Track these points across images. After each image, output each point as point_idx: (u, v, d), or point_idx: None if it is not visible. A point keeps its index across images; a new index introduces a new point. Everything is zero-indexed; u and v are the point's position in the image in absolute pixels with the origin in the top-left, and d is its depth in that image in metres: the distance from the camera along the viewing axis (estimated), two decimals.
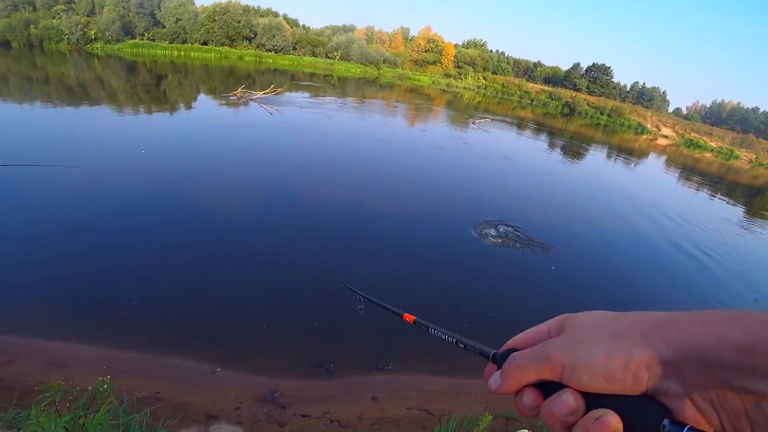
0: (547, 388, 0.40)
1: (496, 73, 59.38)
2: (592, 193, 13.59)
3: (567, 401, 0.37)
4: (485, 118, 26.60)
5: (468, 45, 64.69)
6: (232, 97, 18.07)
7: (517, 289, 6.29)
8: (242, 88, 19.15)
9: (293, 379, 3.97)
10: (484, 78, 57.02)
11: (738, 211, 16.26)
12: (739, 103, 64.83)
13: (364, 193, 9.07)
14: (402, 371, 4.28)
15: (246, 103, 17.35)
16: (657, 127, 52.70)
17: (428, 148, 14.58)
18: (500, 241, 7.61)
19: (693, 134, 53.08)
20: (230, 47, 45.04)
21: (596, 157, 22.51)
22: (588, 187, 14.19)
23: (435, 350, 4.46)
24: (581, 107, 51.25)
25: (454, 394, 3.99)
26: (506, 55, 66.17)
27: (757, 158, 48.03)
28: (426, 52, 58.04)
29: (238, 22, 44.95)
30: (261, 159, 10.44)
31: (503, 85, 55.29)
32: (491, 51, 65.15)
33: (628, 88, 65.41)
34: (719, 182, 24.35)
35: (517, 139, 21.59)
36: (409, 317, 0.75)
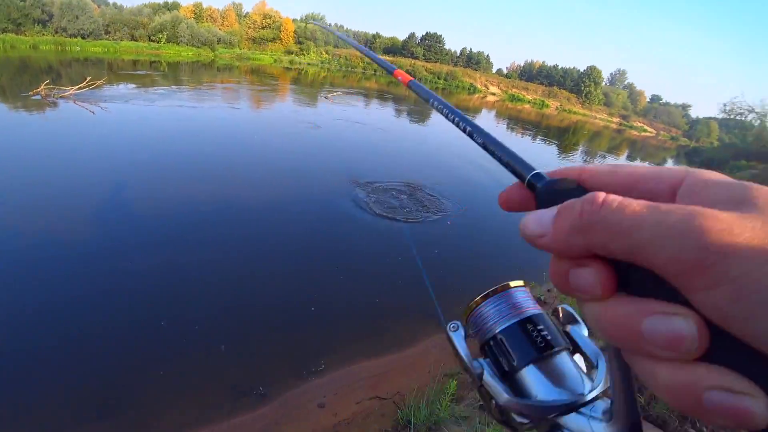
0: (630, 277, 0.22)
1: (337, 47, 59.33)
2: (449, 149, 14.19)
3: (684, 326, 0.19)
4: (337, 92, 26.28)
5: (306, 19, 63.00)
6: (34, 97, 13.82)
7: (430, 249, 6.25)
8: (45, 84, 14.77)
9: (225, 419, 3.17)
10: (327, 52, 56.50)
11: (554, 147, 19.42)
12: (544, 62, 77.38)
13: (244, 189, 7.68)
14: (337, 366, 3.84)
15: (55, 103, 13.44)
16: (486, 86, 59.51)
17: (298, 126, 13.54)
18: (388, 207, 7.55)
19: (514, 90, 61.77)
20: (16, 34, 35.38)
21: (441, 117, 24.03)
22: (447, 144, 14.99)
23: (361, 332, 4.36)
24: (420, 74, 54.65)
25: (398, 371, 3.89)
26: (345, 28, 66.55)
27: (561, 105, 60.02)
28: (263, 29, 54.74)
29: (23, 0, 35.35)
30: (83, 166, 7.66)
31: (346, 59, 55.63)
32: (330, 24, 64.67)
33: (458, 54, 72.28)
34: (538, 127, 28.59)
35: (376, 109, 21.81)
36: (402, 75, 0.56)
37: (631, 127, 64.03)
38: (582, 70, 68.84)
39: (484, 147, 0.34)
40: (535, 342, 0.34)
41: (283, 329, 4.23)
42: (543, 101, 60.91)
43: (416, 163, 11.51)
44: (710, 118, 70.27)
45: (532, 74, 74.54)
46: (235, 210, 6.62)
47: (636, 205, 0.21)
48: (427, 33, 66.67)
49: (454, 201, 8.43)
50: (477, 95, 51.68)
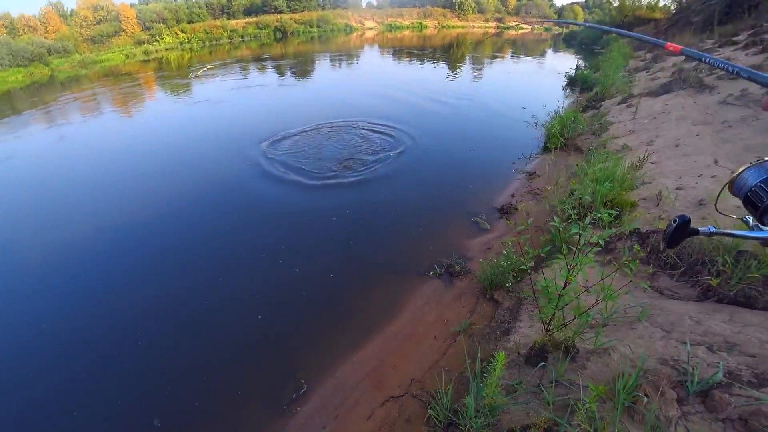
0: None
1: (192, 22, 53.45)
2: (345, 94, 13.72)
3: None
4: (205, 67, 23.92)
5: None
6: None
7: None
8: None
9: None
10: (182, 31, 50.77)
11: (444, 65, 19.49)
12: None
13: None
14: (322, 378, 3.07)
15: None
16: (361, 22, 57.64)
17: (183, 114, 11.98)
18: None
19: (390, 20, 60.63)
20: None
21: (329, 62, 23.01)
22: (344, 89, 14.45)
23: (330, 322, 3.66)
24: (291, 27, 51.38)
25: (398, 352, 3.12)
26: None
27: (438, 23, 60.45)
28: (99, 23, 47.40)
29: None
30: None
31: (207, 32, 50.44)
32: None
33: None
34: (423, 49, 28.44)
35: (256, 73, 20.07)
36: (673, 46, 1.01)
37: (507, 28, 66.68)
38: None
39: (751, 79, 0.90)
40: None
41: (232, 358, 3.29)
42: (421, 23, 60.96)
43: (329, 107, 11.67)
44: (573, 3, 78.33)
45: (403, 0, 73.53)
46: (142, 219, 5.84)
47: None
48: None
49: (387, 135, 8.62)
50: (355, 33, 49.99)
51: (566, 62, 22.99)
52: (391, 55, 26.98)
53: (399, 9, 67.29)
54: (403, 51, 29.00)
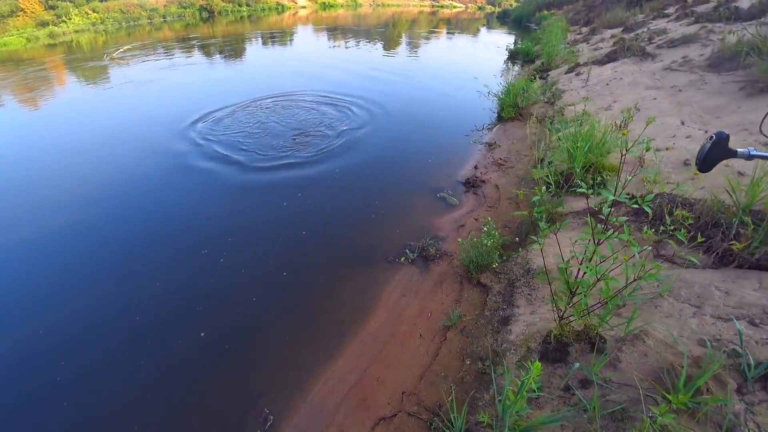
0: None
1: (105, 0, 48.12)
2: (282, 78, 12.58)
3: None
4: (121, 48, 21.40)
5: None
6: None
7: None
8: None
9: None
10: (94, 10, 45.53)
11: (380, 45, 18.82)
12: None
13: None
14: (291, 406, 2.39)
15: None
16: (293, 1, 54.89)
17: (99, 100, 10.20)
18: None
19: None
20: None
21: (261, 42, 21.42)
22: (278, 71, 13.17)
23: (291, 331, 2.98)
24: (218, 6, 47.79)
25: (380, 360, 2.56)
26: None
27: (373, 1, 59.20)
28: None
29: None
30: None
31: (122, 11, 45.53)
32: None
33: None
34: (358, 28, 27.48)
35: (183, 56, 18.09)
36: None
37: (442, 7, 67.42)
38: None
39: None
40: None
41: (170, 392, 2.60)
42: (355, 1, 59.36)
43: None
44: None
45: None
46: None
47: None
48: None
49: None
50: (287, 12, 47.56)
51: (502, 38, 23.25)
52: (328, 33, 25.81)
53: None
54: (338, 30, 27.89)
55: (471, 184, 5.18)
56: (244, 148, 6.50)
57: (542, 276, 2.82)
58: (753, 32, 6.32)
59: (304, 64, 14.40)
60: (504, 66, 14.28)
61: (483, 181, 5.19)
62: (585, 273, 1.95)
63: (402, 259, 3.70)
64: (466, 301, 2.97)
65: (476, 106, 9.07)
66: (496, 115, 8.41)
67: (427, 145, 6.89)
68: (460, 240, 3.49)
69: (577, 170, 3.68)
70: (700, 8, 11.24)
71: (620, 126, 3.86)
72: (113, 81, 13.44)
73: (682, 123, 4.60)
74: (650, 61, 8.65)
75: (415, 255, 3.73)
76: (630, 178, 3.51)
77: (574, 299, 2.10)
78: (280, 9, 50.14)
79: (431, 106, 9.29)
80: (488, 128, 7.71)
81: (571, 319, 2.18)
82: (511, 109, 7.94)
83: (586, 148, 3.67)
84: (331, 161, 6.00)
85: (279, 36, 24.67)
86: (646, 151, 1.65)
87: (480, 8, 70.90)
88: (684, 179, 3.31)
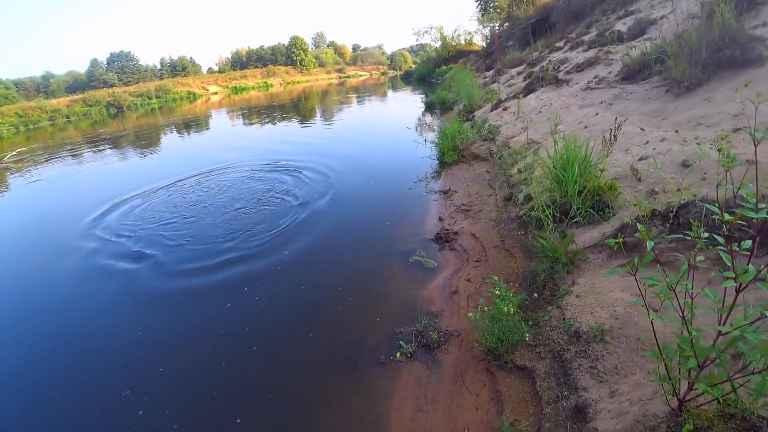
0: None
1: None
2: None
3: None
4: (14, 151, 19.20)
5: None
6: None
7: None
8: None
9: None
10: None
11: (295, 120, 18.73)
12: (249, 47, 77.48)
13: None
14: None
15: None
16: (204, 88, 54.95)
17: None
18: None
19: (234, 82, 59.45)
20: None
21: (176, 130, 20.29)
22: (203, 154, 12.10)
23: None
24: (126, 101, 46.24)
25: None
26: None
27: (283, 80, 61.80)
28: None
29: None
30: None
31: (20, 115, 42.04)
32: None
33: (159, 67, 65.52)
34: (272, 107, 27.61)
35: (90, 152, 16.34)
36: None
37: (349, 77, 71.74)
38: (287, 44, 72.67)
39: None
40: None
41: None
42: (266, 82, 61.13)
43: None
44: (401, 49, 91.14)
45: (243, 62, 73.74)
46: None
47: None
48: (111, 54, 57.52)
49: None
50: (200, 100, 47.19)
51: (412, 95, 24.45)
52: (243, 114, 25.50)
53: (242, 71, 66.82)
54: (254, 111, 27.80)
55: (444, 239, 4.50)
56: (168, 239, 5.39)
57: (603, 337, 2.11)
58: (659, 42, 6.67)
59: (223, 143, 13.61)
60: (424, 116, 14.58)
61: (456, 233, 4.55)
62: (722, 332, 1.26)
63: (398, 355, 2.78)
64: (507, 397, 2.14)
65: (414, 156, 8.75)
66: (437, 161, 8.10)
67: (379, 206, 6.21)
68: (470, 314, 2.67)
69: (574, 197, 3.17)
70: (587, 37, 12.37)
71: (610, 139, 3.47)
72: (8, 185, 11.54)
73: (642, 129, 4.40)
74: (566, 86, 9.02)
75: (414, 346, 2.84)
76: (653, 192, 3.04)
77: (704, 370, 1.39)
78: (192, 97, 49.67)
79: (370, 164, 8.82)
80: (434, 176, 7.30)
81: (699, 399, 1.46)
82: (452, 153, 7.68)
83: (576, 172, 3.21)
84: (277, 244, 5.06)
85: (194, 123, 23.86)
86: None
87: (383, 74, 76.95)
88: (693, 181, 2.90)
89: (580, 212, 3.20)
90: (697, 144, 3.41)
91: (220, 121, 23.69)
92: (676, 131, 3.96)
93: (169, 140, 17.50)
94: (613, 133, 3.44)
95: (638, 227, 1.37)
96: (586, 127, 5.40)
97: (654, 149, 3.62)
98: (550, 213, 3.27)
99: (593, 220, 3.19)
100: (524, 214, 3.76)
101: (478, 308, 2.74)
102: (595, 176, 3.26)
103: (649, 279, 1.39)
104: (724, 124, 3.99)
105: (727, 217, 1.26)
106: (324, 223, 5.63)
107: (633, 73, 7.08)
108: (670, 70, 5.73)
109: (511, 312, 2.44)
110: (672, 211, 2.50)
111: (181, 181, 8.45)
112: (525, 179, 4.54)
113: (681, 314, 1.40)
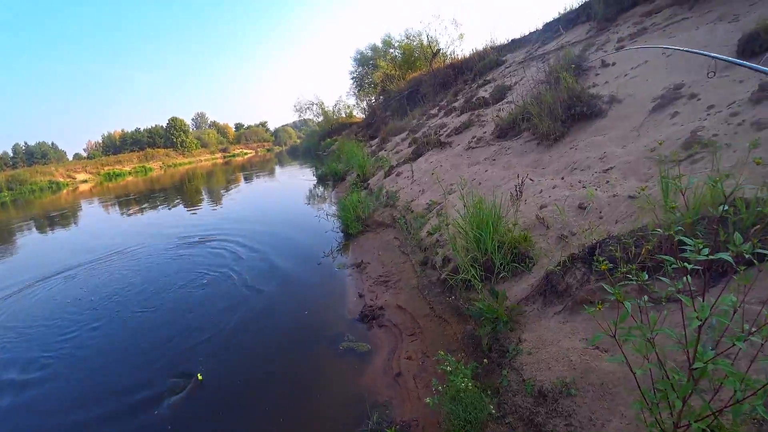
0: None
1: None
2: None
3: None
4: None
5: None
6: None
7: None
8: None
9: None
10: None
11: (181, 204, 17.37)
12: (123, 130, 73.20)
13: None
14: None
15: None
16: (70, 176, 48.90)
17: None
18: None
19: (107, 168, 54.13)
20: None
21: (36, 227, 16.95)
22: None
23: None
24: None
25: None
26: None
27: (164, 163, 58.04)
28: None
29: None
30: None
31: None
32: None
33: (11, 154, 57.14)
34: (153, 192, 25.42)
35: None
36: None
37: (234, 156, 70.66)
38: (165, 125, 69.86)
39: None
40: None
41: None
42: (144, 166, 56.64)
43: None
44: (285, 125, 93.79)
45: (117, 146, 68.50)
46: None
47: None
48: None
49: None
50: (65, 190, 41.48)
51: (301, 170, 24.70)
52: (119, 206, 22.84)
53: (116, 156, 61.23)
54: (133, 198, 25.14)
55: (370, 317, 4.13)
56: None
57: (569, 391, 1.93)
58: (521, 103, 7.60)
59: (95, 240, 11.64)
60: (318, 188, 14.59)
61: (381, 308, 4.23)
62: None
63: None
64: None
65: (317, 231, 8.42)
66: (341, 233, 7.85)
67: (289, 293, 5.54)
68: (428, 400, 2.29)
69: (495, 254, 3.14)
70: (457, 104, 13.89)
71: (517, 195, 3.60)
72: None
73: (532, 180, 4.76)
74: (450, 147, 9.78)
75: None
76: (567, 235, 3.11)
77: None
78: (55, 187, 43.43)
79: (273, 246, 8.03)
80: (341, 249, 7.00)
81: None
82: (356, 224, 7.54)
83: (491, 228, 3.21)
84: (181, 372, 4.16)
85: (59, 217, 20.49)
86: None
87: (269, 150, 77.80)
88: (592, 220, 3.08)
89: (504, 267, 3.20)
90: (583, 187, 3.72)
91: (92, 213, 20.79)
92: (562, 178, 4.34)
93: (24, 240, 14.55)
94: (518, 189, 3.61)
95: (611, 290, 1.24)
96: (480, 183, 5.72)
97: (549, 196, 3.87)
98: (476, 273, 3.19)
99: (517, 272, 3.19)
100: (449, 278, 3.64)
101: (432, 390, 2.40)
102: (509, 230, 3.32)
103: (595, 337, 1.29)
104: (594, 167, 4.49)
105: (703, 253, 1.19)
106: (235, 333, 4.73)
107: (505, 131, 7.92)
108: (536, 126, 6.51)
109: (469, 386, 2.16)
110: (587, 252, 2.57)
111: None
112: (437, 241, 4.52)
113: (657, 359, 1.28)
